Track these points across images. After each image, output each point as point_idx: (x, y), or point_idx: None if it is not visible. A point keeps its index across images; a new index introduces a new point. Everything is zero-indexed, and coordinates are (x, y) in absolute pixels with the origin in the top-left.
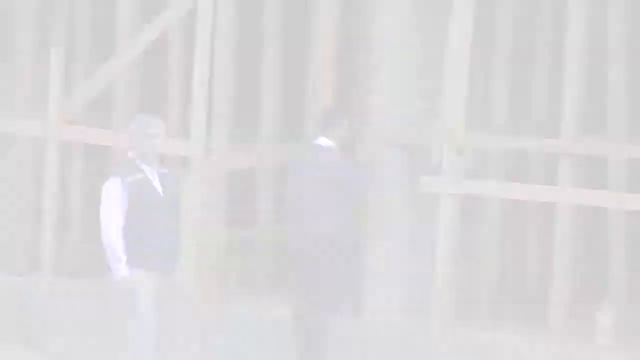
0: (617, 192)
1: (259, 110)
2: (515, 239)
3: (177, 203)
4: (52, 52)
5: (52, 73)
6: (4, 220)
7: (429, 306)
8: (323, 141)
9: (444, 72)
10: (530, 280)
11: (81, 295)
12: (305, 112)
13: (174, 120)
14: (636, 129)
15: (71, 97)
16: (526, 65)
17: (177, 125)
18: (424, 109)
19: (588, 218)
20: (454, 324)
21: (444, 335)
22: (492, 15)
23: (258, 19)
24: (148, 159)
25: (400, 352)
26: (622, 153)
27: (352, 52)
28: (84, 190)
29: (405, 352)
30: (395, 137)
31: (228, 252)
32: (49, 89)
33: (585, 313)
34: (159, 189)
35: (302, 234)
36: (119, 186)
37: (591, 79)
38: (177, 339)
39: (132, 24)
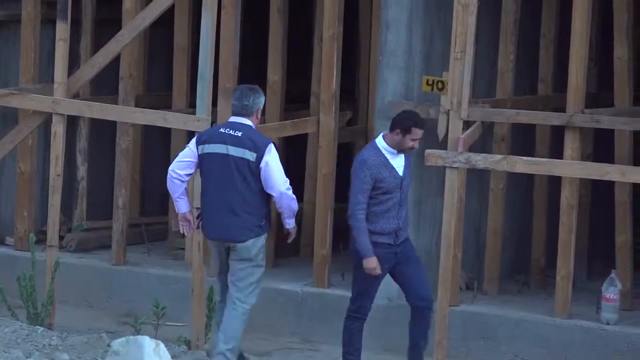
0: (621, 165)
1: (263, 87)
2: (520, 211)
3: None
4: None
5: (57, 47)
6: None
7: (434, 281)
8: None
9: (450, 45)
10: (535, 252)
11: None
12: (309, 90)
13: (179, 95)
14: None
15: (76, 71)
16: (532, 39)
17: (183, 101)
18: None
19: (593, 190)
20: (459, 298)
21: (449, 310)
22: None
23: None
24: None
25: (403, 327)
26: (627, 125)
27: (355, 30)
28: (90, 165)
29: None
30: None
31: None
32: (54, 63)
33: (591, 286)
34: None
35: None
36: None
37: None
38: None
39: None
